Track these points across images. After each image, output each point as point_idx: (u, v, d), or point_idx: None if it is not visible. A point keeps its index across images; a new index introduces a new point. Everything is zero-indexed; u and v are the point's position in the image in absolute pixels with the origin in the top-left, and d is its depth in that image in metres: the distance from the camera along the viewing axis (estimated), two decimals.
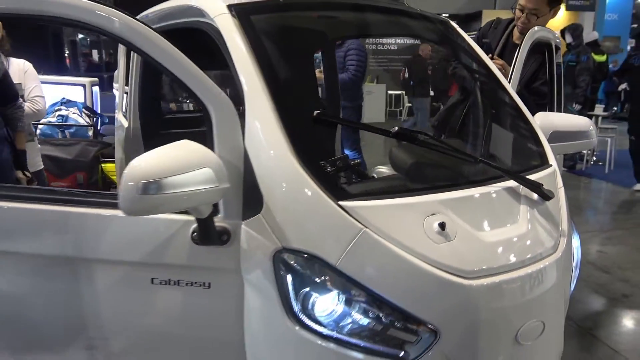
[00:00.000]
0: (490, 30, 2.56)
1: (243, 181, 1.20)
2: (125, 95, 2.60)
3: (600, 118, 6.75)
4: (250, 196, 1.18)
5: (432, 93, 8.12)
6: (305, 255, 1.10)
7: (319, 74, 2.67)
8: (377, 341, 1.11)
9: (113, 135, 4.28)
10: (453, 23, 1.82)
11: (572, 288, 1.37)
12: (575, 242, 1.47)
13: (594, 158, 6.86)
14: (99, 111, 4.69)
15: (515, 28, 2.43)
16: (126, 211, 0.99)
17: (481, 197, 1.25)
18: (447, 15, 12.34)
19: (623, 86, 6.77)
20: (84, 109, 4.07)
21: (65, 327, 1.38)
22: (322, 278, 1.10)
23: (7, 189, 1.47)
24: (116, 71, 2.72)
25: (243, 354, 1.28)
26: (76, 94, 4.57)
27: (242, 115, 1.24)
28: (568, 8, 10.92)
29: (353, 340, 1.12)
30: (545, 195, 1.31)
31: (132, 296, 1.31)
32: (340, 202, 1.10)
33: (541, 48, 2.17)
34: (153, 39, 1.13)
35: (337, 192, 1.12)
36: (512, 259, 1.17)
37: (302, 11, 1.55)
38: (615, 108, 7.93)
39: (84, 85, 4.71)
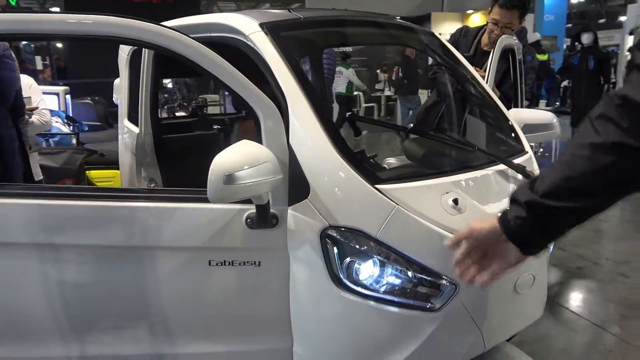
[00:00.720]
0: (460, 38, 2.89)
1: (288, 173, 1.42)
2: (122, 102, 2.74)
3: None
4: (295, 185, 1.41)
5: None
6: (349, 230, 1.35)
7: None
8: (409, 296, 1.37)
9: (92, 143, 4.35)
10: (437, 34, 2.12)
11: (550, 249, 1.69)
12: None
13: (541, 149, 7.47)
14: None
15: (485, 36, 2.77)
16: (212, 199, 1.21)
17: (480, 178, 1.55)
18: (399, 17, 12.84)
19: (565, 83, 7.45)
20: (66, 118, 4.11)
21: (128, 309, 1.55)
22: (364, 248, 1.35)
23: (77, 189, 1.63)
24: (116, 80, 2.84)
25: (288, 323, 1.51)
26: (50, 103, 4.58)
27: (283, 116, 1.46)
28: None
29: (389, 297, 1.37)
30: (528, 176, 1.62)
31: (192, 277, 1.50)
32: (376, 186, 1.36)
33: (506, 54, 2.52)
34: (212, 57, 1.34)
35: (372, 178, 1.38)
36: None
37: (317, 27, 1.79)
38: (557, 103, 8.66)
39: (57, 94, 4.73)
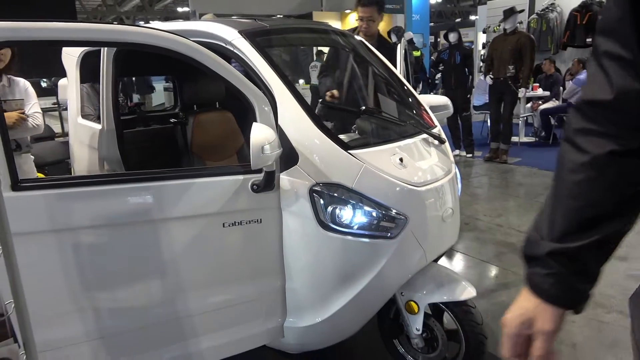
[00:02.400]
0: None
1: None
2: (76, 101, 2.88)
3: None
4: (286, 155, 1.85)
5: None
6: (332, 185, 1.83)
7: None
8: (374, 229, 1.89)
9: None
10: (358, 37, 2.68)
11: (459, 193, 2.34)
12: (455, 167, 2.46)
13: None
14: None
15: (360, 32, 3.41)
16: (254, 166, 1.62)
17: (412, 144, 2.13)
18: (282, 16, 13.41)
19: (438, 75, 8.62)
20: None
21: (153, 271, 1.83)
22: (343, 197, 1.84)
23: (100, 176, 1.87)
24: (61, 80, 2.95)
25: (281, 265, 1.94)
26: None
27: (271, 103, 1.88)
28: (384, 11, 12.92)
29: (361, 232, 1.88)
30: (443, 141, 2.25)
31: (209, 239, 1.84)
32: (348, 151, 1.86)
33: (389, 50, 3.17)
34: (213, 57, 1.72)
35: (344, 146, 1.88)
36: (435, 175, 2.07)
37: (279, 34, 2.24)
38: (432, 92, 9.94)
39: None
